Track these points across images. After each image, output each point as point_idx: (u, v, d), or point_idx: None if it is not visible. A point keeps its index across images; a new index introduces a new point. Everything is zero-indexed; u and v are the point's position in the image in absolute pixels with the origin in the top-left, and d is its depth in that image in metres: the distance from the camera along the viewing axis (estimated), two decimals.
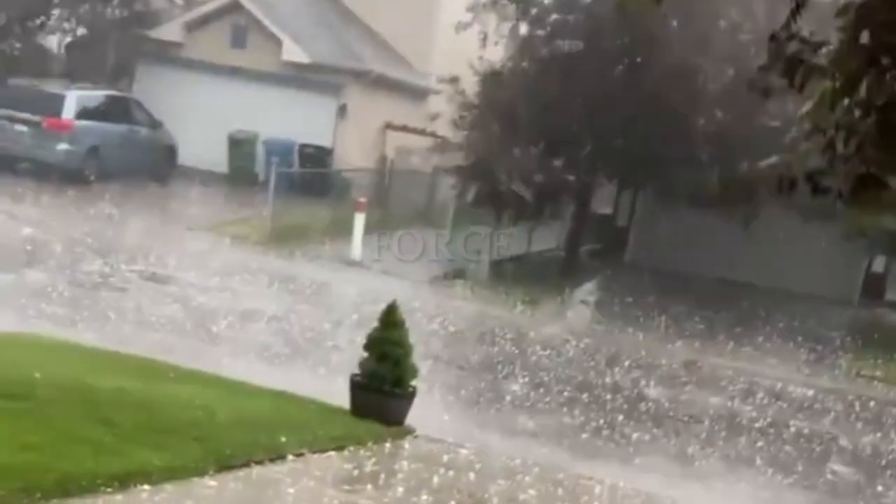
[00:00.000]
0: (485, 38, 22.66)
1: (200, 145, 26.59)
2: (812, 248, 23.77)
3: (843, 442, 13.46)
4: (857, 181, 4.11)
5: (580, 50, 22.28)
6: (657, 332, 18.81)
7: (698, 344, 18.33)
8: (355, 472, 8.48)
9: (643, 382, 14.87)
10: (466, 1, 22.98)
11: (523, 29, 23.04)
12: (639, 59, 21.44)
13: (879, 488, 11.61)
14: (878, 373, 18.18)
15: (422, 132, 27.81)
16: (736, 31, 21.99)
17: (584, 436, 11.75)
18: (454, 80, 22.56)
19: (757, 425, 13.60)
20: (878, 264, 25.15)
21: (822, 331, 20.34)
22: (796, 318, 20.97)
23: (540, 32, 22.86)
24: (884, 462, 12.87)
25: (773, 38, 4.33)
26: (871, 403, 15.98)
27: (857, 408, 15.51)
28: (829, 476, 11.82)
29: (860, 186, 4.12)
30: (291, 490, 7.56)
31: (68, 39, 27.76)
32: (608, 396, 13.66)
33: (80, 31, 28.33)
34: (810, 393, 15.98)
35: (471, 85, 23.15)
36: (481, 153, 21.90)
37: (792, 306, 21.93)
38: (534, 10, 23.07)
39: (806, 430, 13.66)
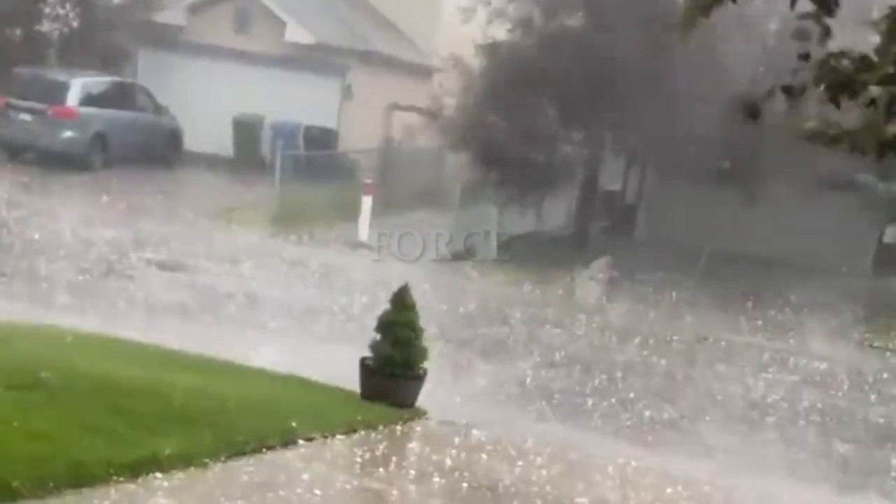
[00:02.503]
0: (490, 16, 22.53)
1: (206, 129, 26.50)
2: (821, 219, 23.63)
3: (858, 414, 13.42)
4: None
5: (582, 25, 22.14)
6: (668, 308, 18.75)
7: (709, 319, 18.26)
8: (367, 456, 8.47)
9: (654, 359, 14.83)
10: None
11: (525, 4, 22.87)
12: (644, 35, 21.25)
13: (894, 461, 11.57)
14: (891, 343, 18.10)
15: (428, 112, 27.68)
16: (745, 2, 21.78)
17: (597, 414, 11.72)
18: (458, 59, 22.44)
19: (769, 400, 13.56)
20: (890, 235, 24.98)
21: (833, 302, 20.21)
22: (807, 290, 20.86)
23: (541, 7, 22.70)
24: None
25: (805, 57, 4.21)
26: (885, 375, 15.93)
27: (870, 379, 15.46)
28: (841, 450, 11.78)
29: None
30: (304, 476, 7.54)
31: (69, 27, 27.62)
32: (619, 374, 13.62)
33: (81, 16, 28.21)
34: (823, 366, 15.93)
35: (475, 63, 23.02)
36: (485, 130, 21.80)
37: (803, 279, 21.81)
38: None
39: (819, 404, 13.61)
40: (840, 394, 14.45)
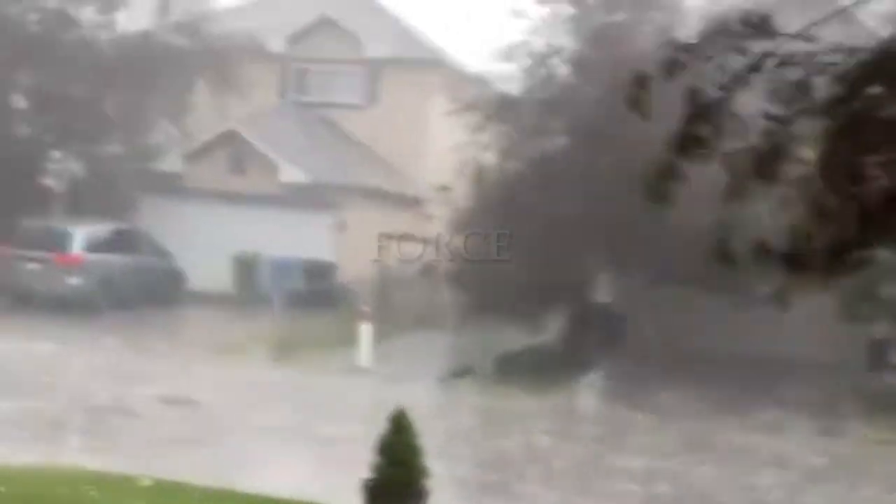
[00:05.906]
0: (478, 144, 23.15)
1: (207, 269, 27.17)
2: (810, 316, 23.95)
3: None
4: None
5: (566, 147, 22.77)
6: (664, 414, 19.01)
7: (706, 422, 18.50)
8: None
9: (656, 465, 15.08)
10: (456, 113, 23.54)
11: (509, 131, 23.60)
12: (626, 153, 21.84)
13: None
14: (889, 438, 18.28)
15: (419, 240, 28.40)
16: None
17: None
18: (446, 188, 23.09)
19: (771, 498, 13.77)
20: (880, 331, 25.29)
21: (829, 399, 20.47)
22: (801, 387, 21.12)
23: (524, 133, 23.40)
24: None
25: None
26: (893, 468, 16.11)
27: (877, 473, 15.64)
28: None
29: None
30: None
31: (74, 179, 28.57)
32: (627, 481, 13.86)
33: (82, 168, 29.18)
34: (825, 461, 16.12)
35: (465, 192, 23.61)
36: (475, 257, 22.25)
37: (795, 376, 22.06)
38: (518, 114, 23.64)
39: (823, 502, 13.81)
40: (843, 489, 14.65)
